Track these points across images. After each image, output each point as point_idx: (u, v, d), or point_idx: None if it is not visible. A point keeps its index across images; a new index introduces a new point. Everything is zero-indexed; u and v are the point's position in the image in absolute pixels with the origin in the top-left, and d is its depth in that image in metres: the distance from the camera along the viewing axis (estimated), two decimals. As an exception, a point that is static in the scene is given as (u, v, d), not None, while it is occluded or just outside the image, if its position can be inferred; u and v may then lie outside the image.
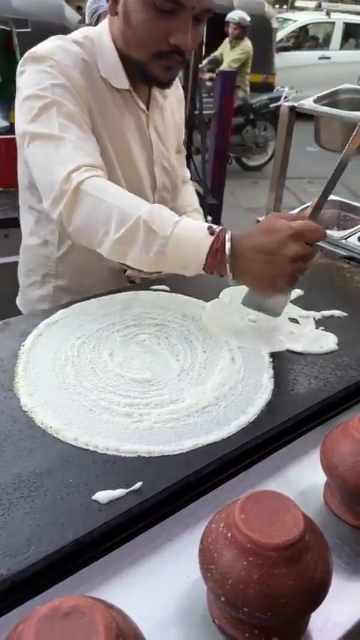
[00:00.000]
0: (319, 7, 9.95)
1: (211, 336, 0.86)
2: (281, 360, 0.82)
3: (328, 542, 0.47)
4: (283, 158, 1.65)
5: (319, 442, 0.61)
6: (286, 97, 5.81)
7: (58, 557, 0.52)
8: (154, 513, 0.58)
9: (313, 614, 0.47)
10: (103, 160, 0.93)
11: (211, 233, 0.80)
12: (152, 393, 0.73)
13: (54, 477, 0.59)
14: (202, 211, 1.31)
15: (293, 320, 0.93)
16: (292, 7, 12.56)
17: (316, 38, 9.29)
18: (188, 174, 1.32)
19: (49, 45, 0.94)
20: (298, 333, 0.89)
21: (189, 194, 1.31)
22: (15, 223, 1.28)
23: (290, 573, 0.43)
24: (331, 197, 1.21)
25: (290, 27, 8.80)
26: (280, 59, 7.35)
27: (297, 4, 12.51)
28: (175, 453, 0.63)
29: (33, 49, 0.94)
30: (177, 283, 1.00)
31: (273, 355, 0.83)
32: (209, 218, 3.09)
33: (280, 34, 8.01)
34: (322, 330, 0.91)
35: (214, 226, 0.81)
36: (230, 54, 5.66)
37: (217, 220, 3.29)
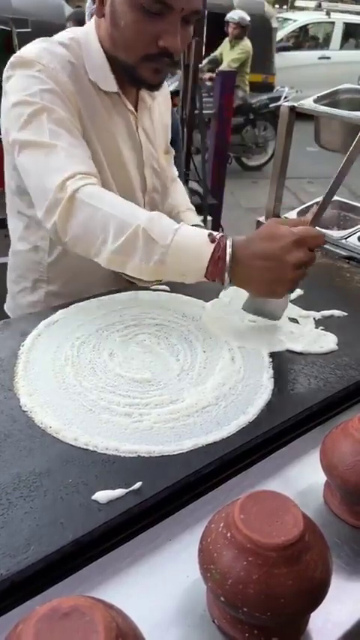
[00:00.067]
0: (319, 7, 9.95)
1: (211, 336, 0.86)
2: (281, 360, 0.82)
3: (328, 542, 0.47)
4: (283, 158, 1.65)
5: (319, 442, 0.61)
6: (286, 97, 5.81)
7: (58, 557, 0.52)
8: (153, 513, 0.58)
9: (312, 614, 0.47)
10: (94, 164, 0.92)
11: (212, 240, 0.79)
12: (152, 393, 0.73)
13: (53, 477, 0.59)
14: (194, 209, 1.30)
15: (293, 320, 0.93)
16: (292, 7, 12.56)
17: (316, 38, 9.29)
18: (176, 172, 1.31)
19: (35, 48, 0.92)
20: (298, 333, 0.89)
21: (180, 193, 1.29)
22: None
23: (290, 573, 0.43)
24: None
25: (290, 27, 8.80)
26: (280, 59, 7.35)
27: (297, 3, 12.51)
28: (175, 453, 0.63)
29: (19, 53, 0.92)
30: (177, 283, 0.99)
31: (273, 355, 0.83)
32: (209, 218, 3.10)
33: (280, 34, 8.01)
34: (322, 330, 0.91)
35: (215, 233, 0.81)
36: (230, 54, 5.66)
37: (217, 220, 3.30)
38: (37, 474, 0.60)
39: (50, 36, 0.98)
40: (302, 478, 0.65)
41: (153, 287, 1.00)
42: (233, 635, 0.47)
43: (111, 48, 0.95)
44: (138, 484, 0.58)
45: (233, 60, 5.56)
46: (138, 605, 0.48)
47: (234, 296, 0.94)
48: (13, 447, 0.63)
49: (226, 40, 5.73)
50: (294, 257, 0.77)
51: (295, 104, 1.59)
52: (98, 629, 0.34)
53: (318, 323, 0.93)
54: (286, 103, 1.60)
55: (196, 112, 2.97)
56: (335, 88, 1.73)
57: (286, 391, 0.76)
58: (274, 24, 6.90)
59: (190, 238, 0.80)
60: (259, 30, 6.18)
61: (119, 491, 0.57)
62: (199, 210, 3.02)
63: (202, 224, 1.24)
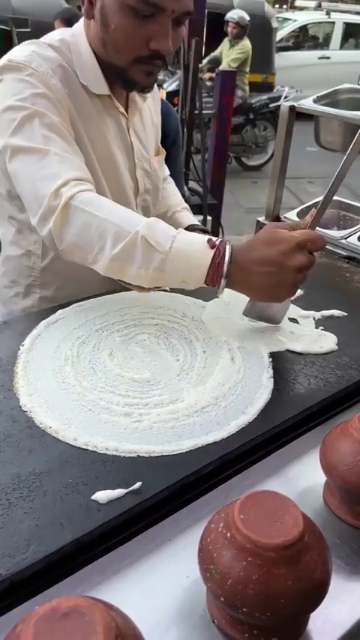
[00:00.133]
0: (319, 7, 9.95)
1: (211, 336, 0.86)
2: (281, 360, 0.82)
3: (328, 542, 0.47)
4: (282, 158, 1.65)
5: (319, 442, 0.61)
6: (285, 97, 5.81)
7: (58, 558, 0.52)
8: (153, 513, 0.58)
9: (312, 614, 0.47)
10: (87, 168, 0.91)
11: (212, 246, 0.78)
12: (152, 393, 0.73)
13: (53, 477, 0.59)
14: (189, 208, 1.29)
15: (293, 320, 0.93)
16: (292, 7, 12.57)
17: (316, 38, 9.29)
18: (167, 172, 1.30)
19: (24, 51, 0.91)
20: (298, 333, 0.89)
21: (174, 193, 1.29)
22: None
23: (290, 573, 0.43)
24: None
25: (290, 27, 8.80)
26: (280, 59, 7.35)
27: (297, 3, 12.52)
28: (175, 453, 0.63)
29: (8, 57, 0.90)
30: (177, 283, 1.00)
31: (273, 355, 0.83)
32: (209, 218, 3.10)
33: (280, 34, 8.01)
34: (322, 330, 0.91)
35: (214, 238, 0.80)
36: (229, 53, 5.66)
37: (216, 220, 3.29)
38: (37, 474, 0.60)
39: None
40: (302, 478, 0.65)
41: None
42: (233, 635, 0.47)
43: (101, 50, 0.93)
44: (138, 484, 0.58)
45: (233, 60, 5.56)
46: (138, 605, 0.48)
47: (234, 296, 0.94)
48: (13, 447, 0.63)
49: (226, 39, 5.73)
50: (296, 261, 0.77)
51: (295, 104, 1.59)
52: (98, 630, 0.34)
53: (318, 323, 0.93)
54: (286, 103, 1.60)
55: (196, 112, 2.97)
56: (335, 88, 1.73)
57: (286, 391, 0.76)
58: (274, 24, 6.90)
59: (189, 244, 0.79)
60: (259, 30, 6.18)
61: (119, 491, 0.57)
62: (199, 209, 3.02)
63: (199, 223, 1.23)
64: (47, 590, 0.51)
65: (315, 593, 0.44)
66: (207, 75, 5.28)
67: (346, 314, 0.96)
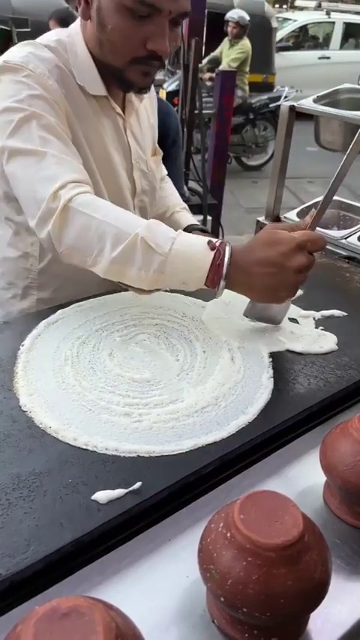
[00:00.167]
0: (319, 7, 9.95)
1: (211, 336, 0.86)
2: (281, 360, 0.82)
3: (328, 542, 0.47)
4: (282, 158, 1.65)
5: (319, 442, 0.61)
6: (285, 97, 5.81)
7: (57, 558, 0.52)
8: (153, 513, 0.58)
9: (312, 614, 0.47)
10: (85, 169, 0.91)
11: (212, 248, 0.78)
12: (152, 393, 0.73)
13: (53, 477, 0.59)
14: (188, 208, 1.28)
15: (293, 320, 0.93)
16: (292, 7, 12.57)
17: (316, 38, 9.29)
18: (165, 172, 1.29)
19: (20, 52, 0.90)
20: (297, 333, 0.89)
21: (173, 193, 1.28)
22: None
23: (289, 573, 0.43)
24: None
25: (290, 26, 8.79)
26: (280, 59, 7.35)
27: (297, 3, 12.52)
28: (175, 453, 0.63)
29: (4, 58, 0.90)
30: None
31: (273, 355, 0.83)
32: (209, 218, 3.10)
33: (279, 34, 8.01)
34: (322, 330, 0.91)
35: (214, 240, 0.80)
36: (229, 53, 5.66)
37: (216, 220, 3.29)
38: (37, 474, 0.60)
39: None
40: (302, 478, 0.65)
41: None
42: (233, 635, 0.47)
43: (98, 51, 0.93)
44: (138, 484, 0.58)
45: (232, 59, 5.56)
46: (137, 606, 0.48)
47: (234, 296, 0.94)
48: (13, 447, 0.63)
49: (226, 39, 5.73)
50: (296, 262, 0.77)
51: (295, 104, 1.59)
52: (97, 630, 0.34)
53: (318, 323, 0.93)
54: (285, 103, 1.60)
55: (196, 111, 2.97)
56: (335, 88, 1.73)
57: (286, 391, 0.76)
58: (274, 24, 6.90)
59: (189, 246, 0.79)
60: (259, 30, 6.18)
61: (119, 491, 0.57)
62: (199, 209, 3.02)
63: (198, 223, 1.23)
64: (47, 590, 0.51)
65: (315, 593, 0.44)
66: (207, 75, 5.27)
67: (346, 314, 0.96)
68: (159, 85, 3.78)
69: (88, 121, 0.97)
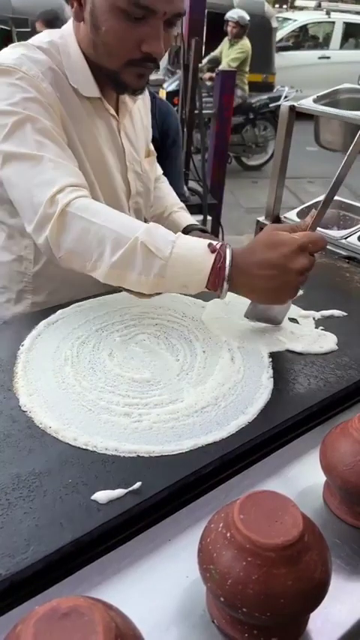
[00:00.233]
0: (319, 7, 9.95)
1: (211, 336, 0.86)
2: (281, 360, 0.82)
3: (328, 542, 0.47)
4: (282, 158, 1.65)
5: (319, 442, 0.61)
6: (285, 97, 5.82)
7: (57, 558, 0.52)
8: (153, 513, 0.58)
9: (312, 614, 0.47)
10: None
11: (213, 250, 0.78)
12: (151, 393, 0.73)
13: (53, 477, 0.59)
14: (185, 207, 1.28)
15: (293, 320, 0.93)
16: (292, 7, 12.57)
17: (316, 38, 9.29)
18: (160, 171, 1.28)
19: (13, 54, 0.89)
20: (297, 333, 0.89)
21: (170, 192, 1.27)
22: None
23: (289, 573, 0.43)
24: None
25: (290, 26, 8.80)
26: (280, 59, 7.36)
27: (297, 3, 12.52)
28: (175, 453, 0.63)
29: None
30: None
31: (272, 355, 0.83)
32: (209, 218, 3.10)
33: (279, 34, 8.01)
34: (322, 330, 0.91)
35: (215, 242, 0.79)
36: (229, 53, 5.66)
37: (216, 220, 3.29)
38: (37, 474, 0.60)
39: None
40: (302, 478, 0.65)
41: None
42: (233, 636, 0.47)
43: (92, 53, 0.92)
44: (137, 484, 0.58)
45: (232, 59, 5.56)
46: (137, 606, 0.48)
47: (234, 296, 0.94)
48: (13, 447, 0.63)
49: (226, 39, 5.73)
50: (298, 264, 0.77)
51: (295, 104, 1.60)
52: (97, 630, 0.34)
53: (318, 323, 0.93)
54: (285, 103, 1.60)
55: (196, 111, 2.97)
56: (335, 88, 1.73)
57: (286, 391, 0.76)
58: (274, 23, 6.90)
59: (189, 249, 0.78)
60: (259, 29, 6.18)
61: (119, 491, 0.57)
62: (199, 209, 3.01)
63: (197, 223, 1.23)
64: (47, 590, 0.51)
65: (315, 593, 0.44)
66: (207, 75, 5.27)
67: (346, 314, 0.96)
68: (159, 85, 3.77)
69: (82, 122, 0.96)
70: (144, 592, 0.51)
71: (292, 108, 1.58)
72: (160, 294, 0.84)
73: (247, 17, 5.54)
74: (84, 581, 0.52)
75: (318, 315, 0.95)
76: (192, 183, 3.19)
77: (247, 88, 5.84)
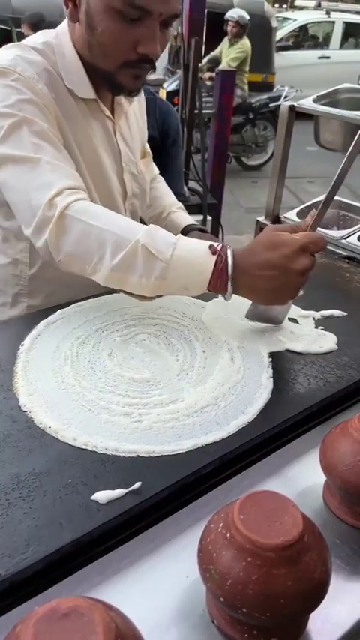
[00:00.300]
0: (319, 7, 9.95)
1: (211, 336, 0.86)
2: (281, 360, 0.82)
3: (328, 542, 0.47)
4: (282, 157, 1.65)
5: (319, 442, 0.61)
6: (285, 97, 5.82)
7: (57, 558, 0.52)
8: (153, 513, 0.58)
9: (312, 614, 0.47)
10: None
11: (214, 252, 0.78)
12: (151, 393, 0.73)
13: (53, 477, 0.59)
14: (183, 206, 1.28)
15: (293, 320, 0.93)
16: (292, 7, 12.57)
17: (316, 37, 9.29)
18: (156, 171, 1.28)
19: (8, 56, 0.88)
20: (297, 333, 0.89)
21: (166, 192, 1.27)
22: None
23: (289, 574, 0.42)
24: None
25: (290, 26, 8.80)
26: (280, 58, 7.36)
27: (297, 3, 12.52)
28: (175, 453, 0.63)
29: None
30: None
31: (272, 355, 0.83)
32: (209, 217, 3.10)
33: (279, 34, 8.01)
34: (322, 329, 0.91)
35: (215, 244, 0.79)
36: (229, 53, 5.66)
37: (216, 220, 3.29)
38: (37, 474, 0.60)
39: None
40: (302, 478, 0.65)
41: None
42: (232, 636, 0.47)
43: (87, 54, 0.91)
44: (137, 484, 0.58)
45: (232, 59, 5.56)
46: (137, 606, 0.48)
47: (234, 296, 0.94)
48: (13, 447, 0.63)
49: (226, 39, 5.73)
50: (299, 264, 0.77)
51: (295, 104, 1.60)
52: (97, 630, 0.34)
53: (318, 323, 0.93)
54: (285, 103, 1.60)
55: (196, 111, 2.96)
56: (335, 88, 1.73)
57: (286, 391, 0.76)
58: (274, 23, 6.91)
59: (190, 251, 0.78)
60: (259, 29, 6.18)
61: (119, 492, 0.57)
62: (199, 209, 3.01)
63: (196, 223, 1.22)
64: (47, 590, 0.51)
65: (315, 594, 0.44)
66: (207, 74, 5.28)
67: (346, 314, 0.96)
68: (159, 85, 3.77)
69: (77, 124, 0.95)
70: (144, 592, 0.51)
71: (292, 108, 1.58)
72: (160, 296, 0.84)
73: (247, 17, 5.54)
74: (84, 582, 0.52)
75: (318, 315, 0.95)
76: (192, 183, 3.19)
77: (247, 87, 5.84)
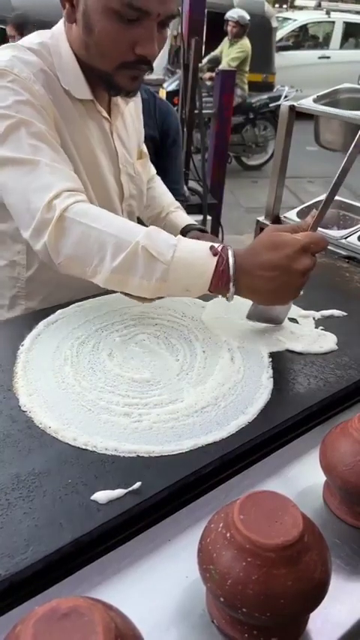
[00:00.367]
0: (318, 7, 9.96)
1: (211, 336, 0.86)
2: (281, 360, 0.82)
3: (328, 542, 0.47)
4: (282, 157, 1.65)
5: (319, 442, 0.61)
6: (285, 97, 5.82)
7: (57, 558, 0.52)
8: (153, 513, 0.58)
9: (312, 614, 0.47)
10: None
11: (215, 253, 0.77)
12: (151, 393, 0.73)
13: (53, 477, 0.59)
14: (181, 206, 1.27)
15: (293, 320, 0.93)
16: (292, 6, 12.57)
17: (316, 37, 9.29)
18: (154, 171, 1.27)
19: (4, 56, 0.88)
20: (297, 333, 0.89)
21: (164, 192, 1.26)
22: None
23: (289, 574, 0.42)
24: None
25: (290, 26, 8.80)
26: (280, 58, 7.35)
27: (297, 3, 12.52)
28: (175, 453, 0.63)
29: None
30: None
31: (272, 355, 0.83)
32: (209, 217, 3.10)
33: (279, 33, 8.01)
34: (322, 329, 0.91)
35: (216, 245, 0.79)
36: (229, 52, 5.66)
37: (216, 220, 3.29)
38: (36, 474, 0.60)
39: None
40: (302, 478, 0.65)
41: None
42: (232, 636, 0.47)
43: (84, 55, 0.91)
44: (137, 484, 0.58)
45: (232, 59, 5.56)
46: (137, 606, 0.48)
47: (234, 297, 0.94)
48: (13, 447, 0.63)
49: (226, 38, 5.73)
50: (301, 264, 0.76)
51: (295, 103, 1.60)
52: (97, 630, 0.34)
53: (318, 323, 0.93)
54: (285, 103, 1.60)
55: (196, 111, 2.96)
56: (335, 88, 1.73)
57: (286, 391, 0.76)
58: (274, 23, 6.90)
59: (191, 252, 0.78)
60: (259, 29, 6.18)
61: (118, 492, 0.57)
62: (199, 209, 3.01)
63: (195, 223, 1.22)
64: (47, 590, 0.51)
65: (315, 594, 0.44)
66: (207, 74, 5.28)
67: (346, 314, 0.96)
68: (159, 85, 3.77)
69: (74, 124, 0.95)
70: (144, 592, 0.51)
71: (292, 108, 1.58)
72: (161, 298, 0.84)
73: (247, 17, 5.54)
74: (84, 582, 0.52)
75: (318, 315, 0.95)
76: (192, 183, 3.19)
77: (247, 87, 5.84)
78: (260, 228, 1.74)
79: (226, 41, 5.76)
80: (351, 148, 0.81)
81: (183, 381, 0.76)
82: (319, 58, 8.70)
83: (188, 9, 2.69)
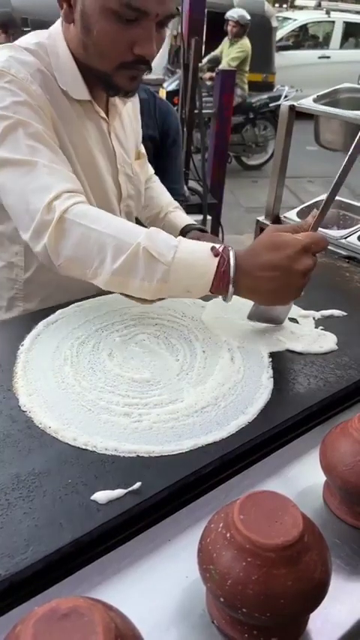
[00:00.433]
0: (319, 6, 9.95)
1: (211, 336, 0.86)
2: (281, 360, 0.82)
3: (328, 542, 0.47)
4: (282, 157, 1.65)
5: (319, 442, 0.61)
6: (285, 96, 5.82)
7: (57, 558, 0.52)
8: (153, 513, 0.58)
9: (312, 614, 0.47)
10: None
11: (216, 254, 0.77)
12: (151, 393, 0.73)
13: (53, 477, 0.59)
14: (181, 207, 1.27)
15: (293, 320, 0.93)
16: (292, 6, 12.56)
17: (316, 37, 9.29)
18: (152, 171, 1.27)
19: (0, 57, 0.87)
20: (297, 332, 0.89)
21: (163, 192, 1.26)
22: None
23: (289, 574, 0.42)
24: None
25: (290, 26, 8.80)
26: (280, 58, 7.35)
27: (297, 2, 12.51)
28: (175, 453, 0.63)
29: None
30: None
31: (272, 355, 0.83)
32: (209, 217, 3.10)
33: (279, 33, 8.01)
34: (322, 329, 0.91)
35: (217, 246, 0.79)
36: (229, 52, 5.66)
37: (216, 219, 3.29)
38: (36, 474, 0.60)
39: None
40: (302, 478, 0.65)
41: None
42: (232, 636, 0.47)
43: (83, 54, 0.90)
44: (137, 484, 0.58)
45: (232, 59, 5.56)
46: (137, 606, 0.48)
47: (234, 297, 0.94)
48: (12, 447, 0.63)
49: (226, 38, 5.73)
50: (302, 265, 0.76)
51: (295, 103, 1.60)
52: (97, 630, 0.34)
53: (318, 323, 0.93)
54: (285, 103, 1.61)
55: (196, 111, 2.96)
56: (335, 88, 1.73)
57: (286, 391, 0.76)
58: (274, 23, 6.90)
59: (192, 253, 0.77)
60: (259, 29, 6.18)
61: (118, 492, 0.57)
62: (199, 209, 3.01)
63: (195, 222, 1.22)
64: (47, 590, 0.51)
65: (315, 594, 0.44)
66: (207, 74, 5.28)
67: (346, 314, 0.96)
68: (159, 85, 3.77)
69: (72, 125, 0.95)
70: (144, 592, 0.51)
71: (292, 107, 1.58)
72: (162, 299, 0.83)
73: (248, 16, 5.54)
74: (84, 582, 0.52)
75: (318, 314, 0.95)
76: (192, 183, 3.19)
77: (247, 87, 5.84)
78: (260, 228, 1.74)
79: (226, 41, 5.76)
80: (351, 149, 0.81)
81: (183, 381, 0.76)
82: (319, 57, 8.70)
83: (188, 9, 2.68)
